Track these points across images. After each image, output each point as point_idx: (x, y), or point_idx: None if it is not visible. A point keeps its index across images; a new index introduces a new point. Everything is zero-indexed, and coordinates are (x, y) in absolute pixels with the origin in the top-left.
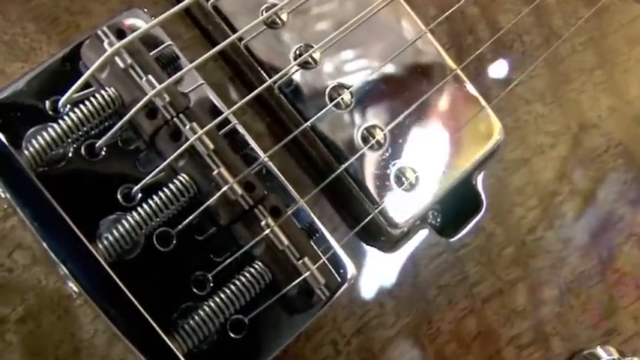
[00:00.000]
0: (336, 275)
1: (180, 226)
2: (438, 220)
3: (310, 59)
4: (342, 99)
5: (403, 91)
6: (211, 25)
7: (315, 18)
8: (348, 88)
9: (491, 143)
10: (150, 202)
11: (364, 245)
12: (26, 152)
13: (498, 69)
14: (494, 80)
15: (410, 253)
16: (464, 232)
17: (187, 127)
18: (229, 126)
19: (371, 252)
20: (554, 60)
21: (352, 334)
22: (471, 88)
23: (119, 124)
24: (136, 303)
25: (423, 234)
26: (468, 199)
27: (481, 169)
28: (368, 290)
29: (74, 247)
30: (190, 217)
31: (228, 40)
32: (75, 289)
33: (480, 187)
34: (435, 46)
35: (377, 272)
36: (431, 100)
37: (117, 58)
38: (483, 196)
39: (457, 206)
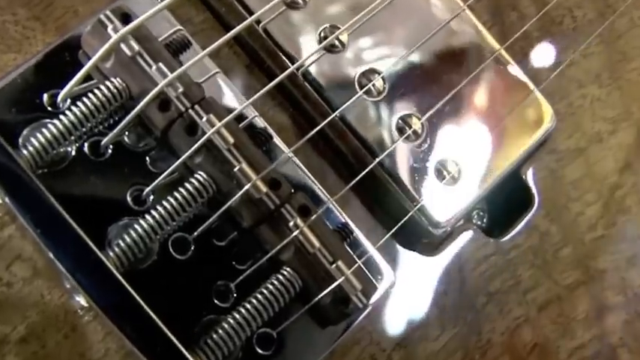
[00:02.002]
0: (374, 281)
1: (198, 231)
2: (484, 220)
3: (337, 42)
4: (373, 85)
5: (441, 75)
6: (225, 6)
7: None
8: (379, 74)
9: (541, 131)
10: (163, 204)
11: (403, 249)
12: (25, 152)
13: (547, 48)
14: (542, 61)
15: (455, 256)
16: (514, 231)
17: (204, 119)
18: (249, 119)
19: (411, 256)
20: (611, 36)
21: (393, 348)
22: (516, 71)
23: (127, 118)
24: (154, 316)
25: (468, 234)
26: (517, 194)
27: (531, 160)
28: (409, 299)
29: (83, 256)
30: (209, 221)
31: (244, 24)
32: (83, 303)
33: (530, 181)
34: (475, 24)
35: (418, 278)
36: (472, 85)
37: (123, 45)
38: (535, 191)
39: (506, 203)
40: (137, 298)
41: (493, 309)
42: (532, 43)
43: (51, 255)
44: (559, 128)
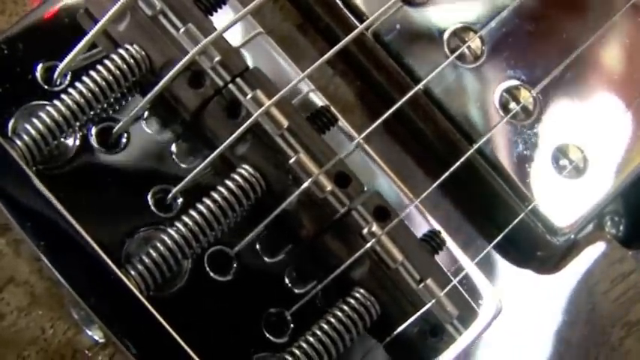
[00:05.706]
0: (474, 306)
1: (241, 244)
2: (620, 227)
3: None
4: (468, 48)
5: (558, 32)
6: None
7: None
8: (476, 32)
9: None
10: (197, 209)
11: (512, 265)
12: (18, 142)
13: None
14: None
15: (581, 274)
16: None
17: (249, 96)
18: (301, 95)
19: (523, 275)
20: None
21: None
22: None
23: (147, 97)
24: (192, 355)
25: (599, 246)
26: None
27: None
28: (521, 329)
29: (97, 277)
30: (257, 229)
31: None
32: (97, 338)
33: None
34: None
35: (533, 303)
36: (600, 45)
37: (140, 2)
38: None
39: None
40: (170, 330)
41: (634, 344)
42: None
43: (57, 274)
44: None
